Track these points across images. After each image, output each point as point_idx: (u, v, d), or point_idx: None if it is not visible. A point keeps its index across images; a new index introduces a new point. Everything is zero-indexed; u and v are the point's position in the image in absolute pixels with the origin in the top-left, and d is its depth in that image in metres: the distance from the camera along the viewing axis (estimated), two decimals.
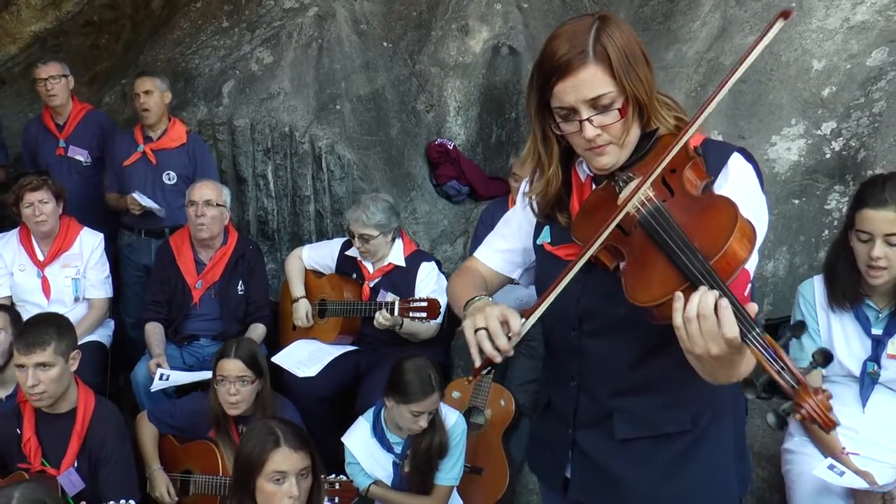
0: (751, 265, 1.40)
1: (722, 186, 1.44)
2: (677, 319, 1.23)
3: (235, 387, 2.96)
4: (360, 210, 3.55)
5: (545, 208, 1.59)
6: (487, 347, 1.42)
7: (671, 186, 1.41)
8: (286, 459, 2.18)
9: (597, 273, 1.46)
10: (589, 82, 1.39)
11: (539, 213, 1.62)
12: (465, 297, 1.60)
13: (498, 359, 1.42)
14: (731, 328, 1.18)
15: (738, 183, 1.44)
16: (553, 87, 1.42)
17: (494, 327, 1.43)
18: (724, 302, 1.19)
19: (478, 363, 1.44)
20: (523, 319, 1.44)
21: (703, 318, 1.20)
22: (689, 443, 1.54)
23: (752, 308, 1.21)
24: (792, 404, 1.15)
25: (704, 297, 1.20)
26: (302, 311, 3.73)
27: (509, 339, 1.43)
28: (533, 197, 1.62)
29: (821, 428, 1.14)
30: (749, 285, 1.39)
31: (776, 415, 1.16)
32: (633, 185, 1.42)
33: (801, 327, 1.19)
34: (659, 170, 1.39)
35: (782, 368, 1.16)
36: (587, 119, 1.41)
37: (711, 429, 1.55)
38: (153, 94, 4.17)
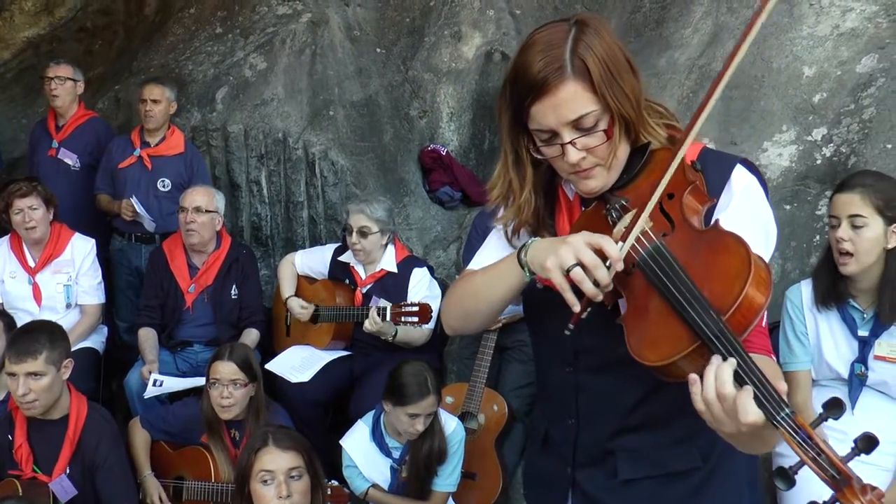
0: None
1: (727, 206, 1.30)
2: (698, 404, 1.10)
3: (228, 389, 2.95)
4: (364, 203, 3.62)
5: (525, 229, 1.43)
6: (589, 288, 1.19)
7: (671, 216, 1.25)
8: (273, 459, 2.18)
9: (594, 308, 1.25)
10: (569, 102, 1.24)
11: (515, 242, 1.44)
12: (493, 268, 1.42)
13: (600, 297, 1.20)
14: (750, 414, 1.04)
15: (743, 201, 1.30)
16: (529, 107, 1.27)
17: (591, 259, 1.19)
18: (748, 386, 1.05)
19: (577, 308, 1.22)
20: (620, 242, 1.22)
21: (725, 400, 1.07)
22: (699, 481, 1.41)
23: (782, 388, 1.07)
24: (833, 496, 1.01)
25: (721, 375, 1.07)
26: (295, 305, 3.72)
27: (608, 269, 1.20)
28: (504, 224, 1.45)
29: None
30: (764, 311, 1.25)
31: None
32: (627, 219, 1.27)
33: (837, 406, 1.05)
34: (653, 203, 1.23)
35: (818, 454, 1.01)
36: (570, 142, 1.26)
37: (723, 463, 1.42)
38: (160, 102, 4.20)
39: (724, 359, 1.08)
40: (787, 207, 3.60)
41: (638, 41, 4.23)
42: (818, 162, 3.59)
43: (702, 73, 3.95)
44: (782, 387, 1.07)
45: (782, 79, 3.73)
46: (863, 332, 2.45)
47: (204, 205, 3.72)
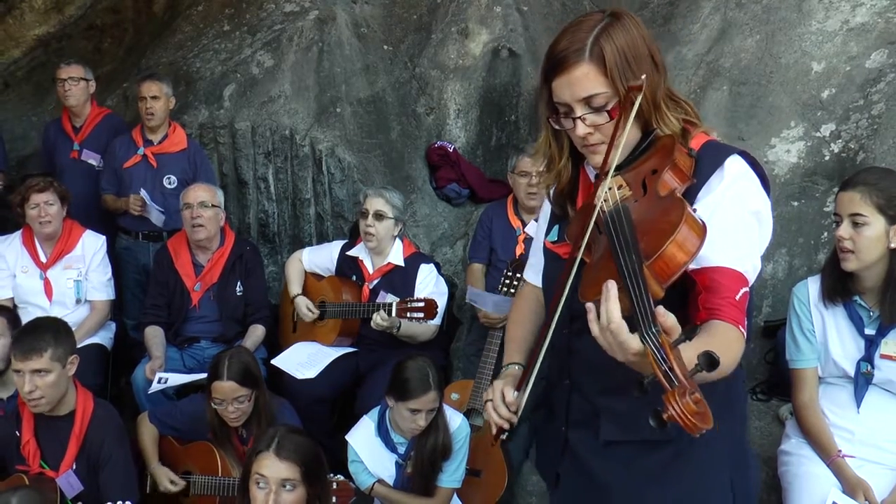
0: (748, 270, 1.38)
1: (714, 189, 1.42)
2: (594, 330, 1.25)
3: (233, 406, 2.95)
4: (382, 189, 3.73)
5: (560, 199, 1.62)
6: (494, 417, 1.58)
7: (647, 187, 1.42)
8: (269, 465, 2.17)
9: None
10: (581, 81, 1.41)
11: (554, 202, 1.65)
12: (506, 357, 1.76)
13: (505, 426, 1.57)
14: (629, 345, 1.19)
15: (732, 187, 1.42)
16: (551, 82, 1.45)
17: (496, 399, 1.59)
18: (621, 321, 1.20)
19: (493, 431, 1.60)
20: (515, 392, 1.58)
21: (610, 330, 1.21)
22: (672, 453, 1.53)
23: (661, 310, 1.20)
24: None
25: (608, 308, 1.21)
26: (302, 306, 3.74)
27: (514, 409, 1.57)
28: (547, 187, 1.66)
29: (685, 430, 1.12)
30: (744, 289, 1.37)
31: (654, 414, 1.14)
32: (604, 184, 1.46)
33: (693, 331, 1.18)
34: (611, 171, 1.43)
35: (669, 369, 1.14)
36: (580, 117, 1.43)
37: (698, 440, 1.48)
38: (160, 99, 4.21)
39: (628, 292, 1.22)
40: (795, 204, 3.58)
41: None
42: (826, 158, 3.57)
43: (709, 69, 3.93)
44: (661, 311, 1.19)
45: (791, 74, 3.70)
46: (869, 331, 2.43)
47: (209, 199, 3.75)
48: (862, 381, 2.42)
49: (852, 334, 2.45)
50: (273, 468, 2.17)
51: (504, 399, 1.58)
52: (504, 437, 1.60)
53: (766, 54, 3.80)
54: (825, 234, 3.50)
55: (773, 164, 3.63)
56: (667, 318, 1.19)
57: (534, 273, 1.84)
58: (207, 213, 3.73)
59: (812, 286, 2.56)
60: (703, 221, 1.32)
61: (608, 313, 1.20)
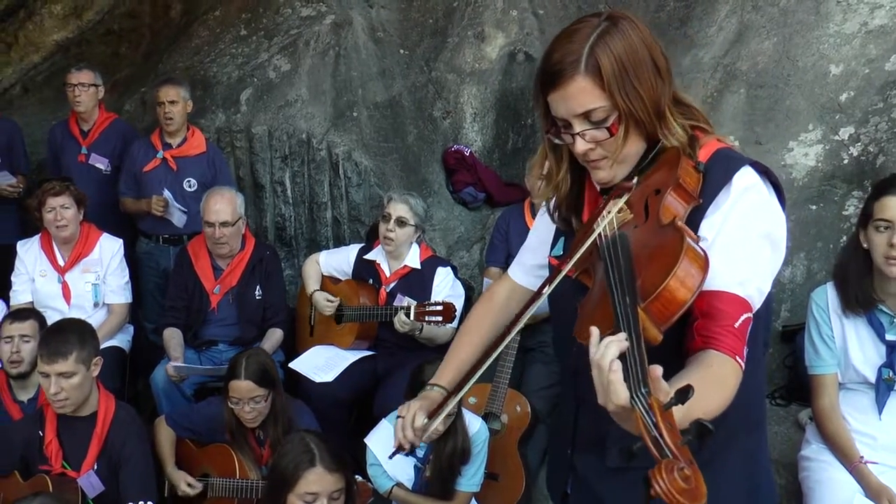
0: (752, 294, 1.29)
1: (721, 205, 1.32)
2: (591, 352, 1.15)
3: (250, 406, 2.97)
4: (408, 195, 3.73)
5: (563, 213, 1.51)
6: (398, 434, 1.58)
7: (649, 210, 1.31)
8: (319, 480, 2.19)
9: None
10: (577, 96, 1.30)
11: (556, 218, 1.54)
12: (436, 375, 1.70)
13: (406, 447, 1.58)
14: (616, 395, 1.08)
15: (739, 202, 1.31)
16: (546, 96, 1.34)
17: (406, 420, 1.57)
18: (616, 365, 1.09)
19: (394, 446, 1.61)
20: (426, 419, 1.57)
21: (600, 370, 1.11)
22: None
23: (656, 370, 1.09)
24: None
25: (606, 349, 1.11)
26: (321, 299, 3.74)
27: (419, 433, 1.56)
28: (546, 200, 1.55)
29: None
30: (745, 315, 1.27)
31: (644, 481, 1.04)
32: (608, 207, 1.36)
33: (684, 392, 1.06)
34: (620, 202, 1.33)
35: (659, 436, 1.04)
36: (579, 133, 1.33)
37: (711, 465, 1.35)
38: (178, 103, 4.22)
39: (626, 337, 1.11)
40: (814, 208, 3.56)
41: (662, 40, 4.12)
42: (845, 161, 3.55)
43: (726, 72, 3.92)
44: (656, 371, 1.09)
45: (808, 77, 3.69)
46: (891, 337, 2.39)
47: (230, 218, 3.72)
48: (883, 388, 2.39)
49: (873, 340, 2.42)
50: (324, 482, 2.19)
51: (413, 423, 1.57)
52: (403, 454, 1.62)
53: (783, 57, 3.79)
54: (843, 237, 3.48)
55: (791, 167, 3.62)
56: (660, 382, 1.09)
57: (520, 269, 1.75)
58: (229, 230, 3.72)
59: (831, 292, 2.52)
60: (704, 252, 1.22)
61: (603, 353, 1.11)
